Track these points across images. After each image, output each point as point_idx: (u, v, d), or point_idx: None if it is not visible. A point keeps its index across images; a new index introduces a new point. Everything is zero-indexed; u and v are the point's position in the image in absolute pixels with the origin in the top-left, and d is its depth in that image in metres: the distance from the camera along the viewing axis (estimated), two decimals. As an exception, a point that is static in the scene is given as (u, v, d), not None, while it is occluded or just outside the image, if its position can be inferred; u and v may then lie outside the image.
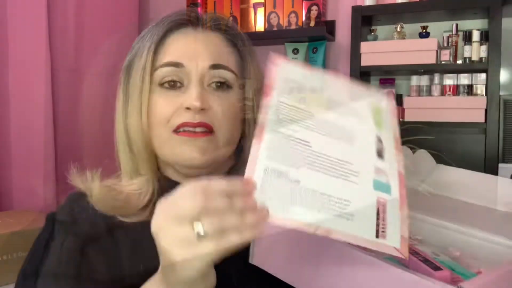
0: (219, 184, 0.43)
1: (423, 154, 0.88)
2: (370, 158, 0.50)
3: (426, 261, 0.47)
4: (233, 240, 0.41)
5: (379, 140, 0.53)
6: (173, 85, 0.67)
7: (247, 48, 0.72)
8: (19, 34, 1.74)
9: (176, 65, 0.66)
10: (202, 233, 0.41)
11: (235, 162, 0.74)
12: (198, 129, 0.65)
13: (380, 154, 0.51)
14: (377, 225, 0.44)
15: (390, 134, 0.55)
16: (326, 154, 0.47)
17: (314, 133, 0.48)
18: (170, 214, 0.43)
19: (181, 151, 0.65)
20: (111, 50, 2.02)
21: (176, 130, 0.65)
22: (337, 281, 0.49)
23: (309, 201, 0.43)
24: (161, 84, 0.67)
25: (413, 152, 0.88)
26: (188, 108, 0.64)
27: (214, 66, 0.67)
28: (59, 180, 1.79)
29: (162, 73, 0.67)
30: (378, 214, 0.45)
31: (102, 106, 1.51)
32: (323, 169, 0.46)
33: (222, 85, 0.68)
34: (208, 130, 0.65)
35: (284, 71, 0.54)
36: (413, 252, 0.50)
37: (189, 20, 0.69)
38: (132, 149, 0.69)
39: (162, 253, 0.45)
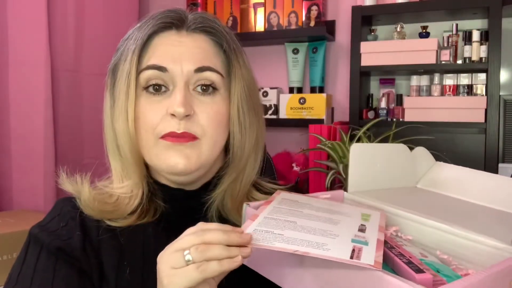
0: (215, 233, 0.51)
1: (422, 151, 0.87)
2: (351, 230, 0.55)
3: (409, 263, 0.46)
4: (214, 268, 0.49)
5: (363, 225, 0.58)
6: (158, 89, 0.65)
7: (233, 47, 0.71)
8: (19, 34, 1.75)
9: (160, 68, 0.65)
10: (190, 259, 0.49)
11: (223, 163, 0.74)
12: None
13: (361, 229, 0.56)
14: (351, 257, 0.47)
15: (376, 225, 0.59)
16: (308, 226, 0.54)
17: (301, 219, 0.56)
18: (171, 247, 0.52)
19: (165, 158, 0.64)
20: (111, 50, 2.02)
21: (162, 137, 0.65)
22: (313, 279, 0.51)
23: (290, 241, 0.50)
24: (146, 88, 0.66)
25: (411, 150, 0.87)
26: (173, 115, 0.63)
27: (199, 69, 0.65)
28: (58, 179, 1.79)
29: (146, 75, 0.65)
30: (353, 252, 0.48)
31: (102, 106, 1.51)
32: (304, 231, 0.53)
33: (208, 88, 0.66)
34: (190, 138, 0.64)
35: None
36: (398, 253, 0.50)
37: (172, 22, 0.68)
38: (120, 153, 0.69)
39: (158, 274, 0.52)
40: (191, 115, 0.64)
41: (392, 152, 0.82)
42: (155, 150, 0.65)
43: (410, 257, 0.48)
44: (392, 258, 0.48)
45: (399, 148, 0.83)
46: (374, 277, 0.42)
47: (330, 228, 0.54)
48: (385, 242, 0.54)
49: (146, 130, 0.65)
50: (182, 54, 0.65)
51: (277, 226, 0.53)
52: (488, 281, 0.41)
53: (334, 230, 0.53)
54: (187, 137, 0.64)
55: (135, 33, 0.68)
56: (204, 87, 0.66)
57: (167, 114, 0.64)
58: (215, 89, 0.67)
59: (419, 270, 0.43)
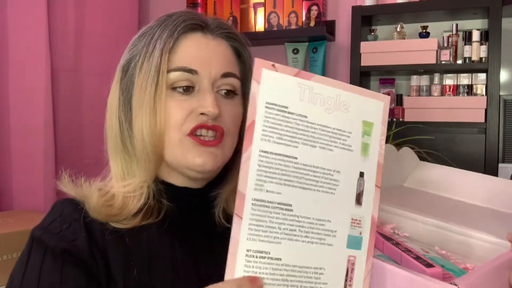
0: None
1: (407, 152, 0.90)
2: (348, 208, 0.51)
3: (418, 258, 0.47)
4: None
5: (361, 176, 0.52)
6: (186, 89, 0.67)
7: (248, 54, 0.75)
8: (19, 34, 1.75)
9: (190, 71, 0.67)
10: None
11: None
12: (210, 133, 0.66)
13: (358, 199, 0.52)
14: (345, 286, 0.49)
15: (375, 161, 0.54)
16: (306, 216, 0.49)
17: (296, 189, 0.48)
18: None
19: (192, 156, 0.66)
20: (111, 50, 2.02)
21: (190, 134, 0.66)
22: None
23: (289, 278, 0.47)
24: (173, 88, 0.67)
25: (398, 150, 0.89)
26: (203, 114, 0.66)
27: (225, 75, 0.69)
28: (59, 180, 1.80)
29: (175, 77, 0.67)
30: (347, 275, 0.49)
31: (102, 106, 1.51)
32: (302, 237, 0.48)
33: (229, 92, 0.70)
34: (220, 134, 0.67)
35: (268, 90, 0.51)
36: (405, 249, 0.51)
37: (199, 24, 0.70)
38: (128, 150, 0.69)
39: None
40: (218, 116, 0.67)
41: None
42: (180, 148, 0.67)
43: (417, 253, 0.49)
44: (400, 254, 0.49)
45: (386, 148, 0.85)
46: (393, 273, 0.43)
47: (327, 209, 0.49)
48: (389, 238, 0.54)
49: (174, 128, 0.66)
50: (210, 58, 0.68)
51: (270, 230, 0.46)
52: (493, 273, 0.42)
53: (332, 213, 0.49)
54: (216, 130, 0.67)
55: (159, 31, 0.68)
56: (227, 91, 0.70)
57: (194, 113, 0.66)
58: (235, 93, 0.71)
59: (428, 265, 0.45)
